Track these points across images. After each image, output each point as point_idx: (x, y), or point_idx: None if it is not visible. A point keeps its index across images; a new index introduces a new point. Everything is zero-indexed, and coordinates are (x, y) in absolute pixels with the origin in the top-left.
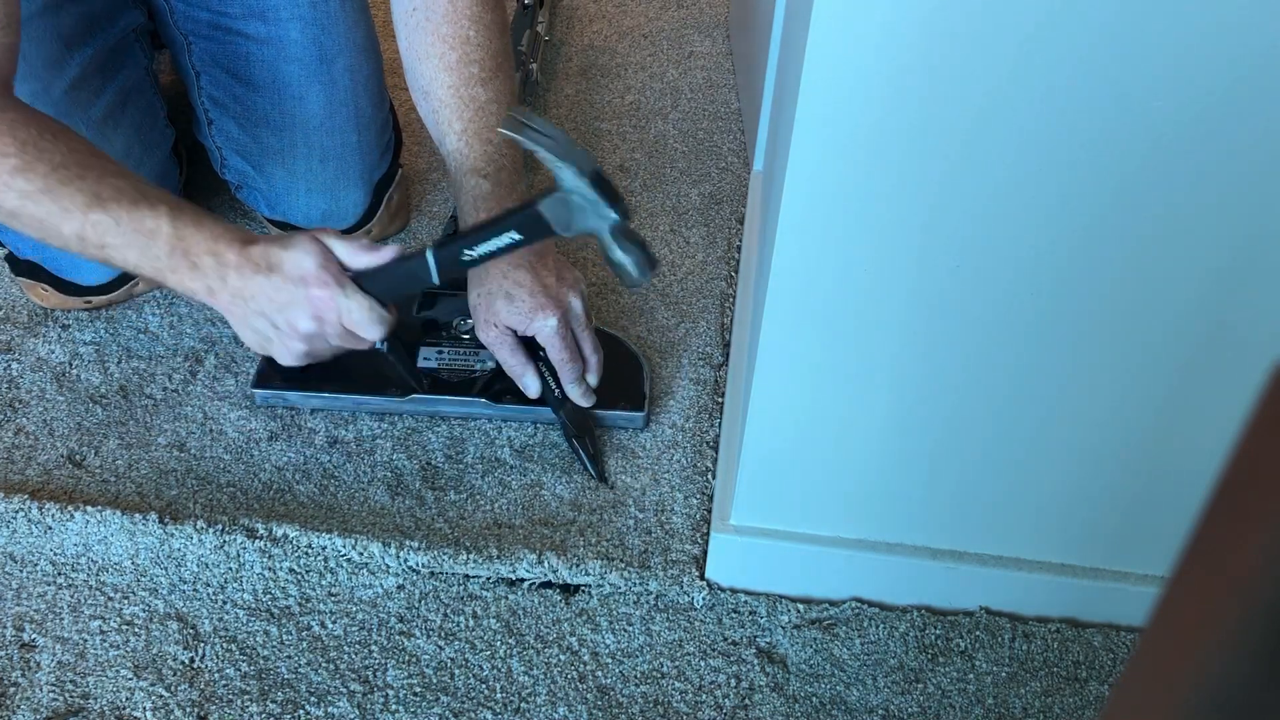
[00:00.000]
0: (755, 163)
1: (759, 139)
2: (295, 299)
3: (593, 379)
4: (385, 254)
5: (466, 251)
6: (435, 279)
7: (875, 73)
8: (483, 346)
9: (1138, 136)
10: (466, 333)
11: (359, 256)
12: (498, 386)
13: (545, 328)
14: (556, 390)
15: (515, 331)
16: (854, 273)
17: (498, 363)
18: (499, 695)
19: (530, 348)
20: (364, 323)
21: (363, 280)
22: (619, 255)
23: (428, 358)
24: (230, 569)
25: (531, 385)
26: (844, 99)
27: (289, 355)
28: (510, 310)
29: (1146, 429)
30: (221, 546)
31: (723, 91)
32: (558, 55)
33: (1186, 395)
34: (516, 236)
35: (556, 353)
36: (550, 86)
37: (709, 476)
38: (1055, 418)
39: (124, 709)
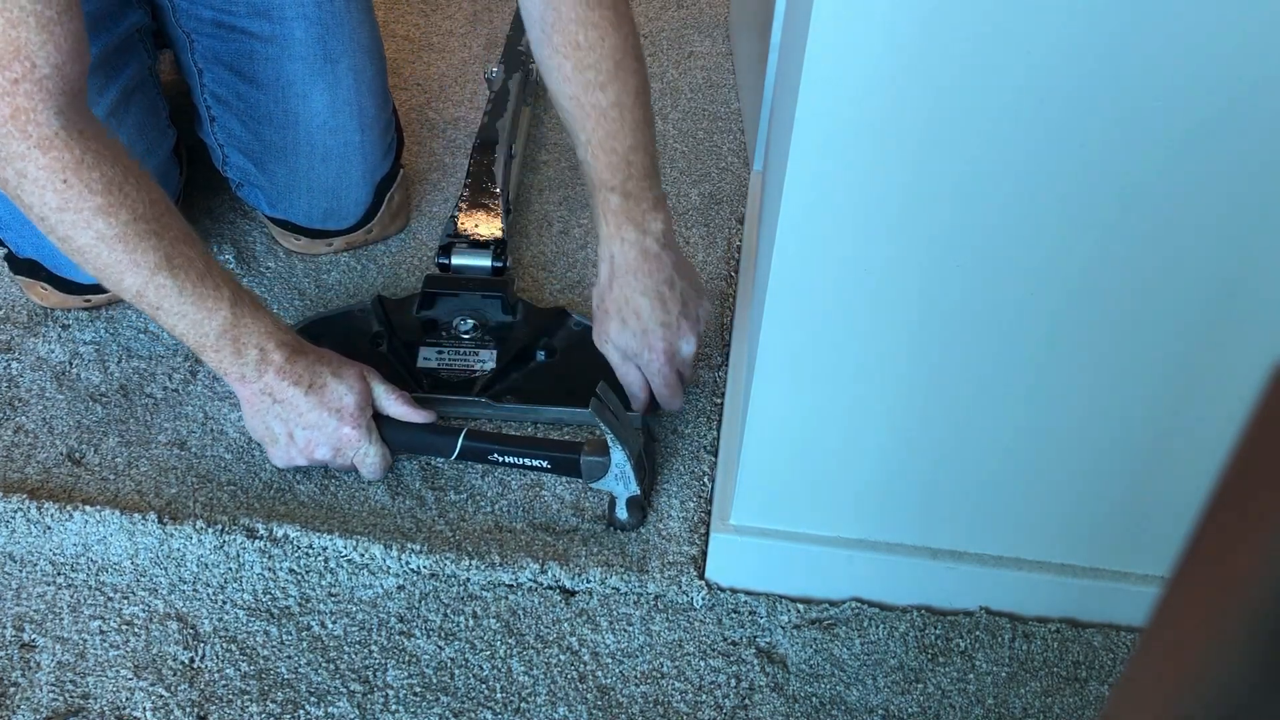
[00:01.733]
0: (755, 163)
1: (759, 139)
2: (323, 425)
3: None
4: (420, 416)
5: (497, 455)
6: (453, 458)
7: (875, 73)
8: (483, 346)
9: (1138, 137)
10: (466, 333)
11: (396, 407)
12: (498, 386)
13: (650, 365)
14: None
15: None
16: (854, 273)
17: (498, 362)
18: (499, 695)
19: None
20: (372, 468)
21: (384, 425)
22: (623, 518)
23: (428, 358)
24: (230, 569)
25: (637, 395)
26: (844, 99)
27: (285, 461)
28: (622, 334)
29: (1147, 429)
30: (221, 546)
31: (723, 91)
32: None
33: (1187, 395)
34: (546, 465)
35: (655, 387)
36: None
37: (706, 480)
38: (1055, 417)
39: (124, 709)
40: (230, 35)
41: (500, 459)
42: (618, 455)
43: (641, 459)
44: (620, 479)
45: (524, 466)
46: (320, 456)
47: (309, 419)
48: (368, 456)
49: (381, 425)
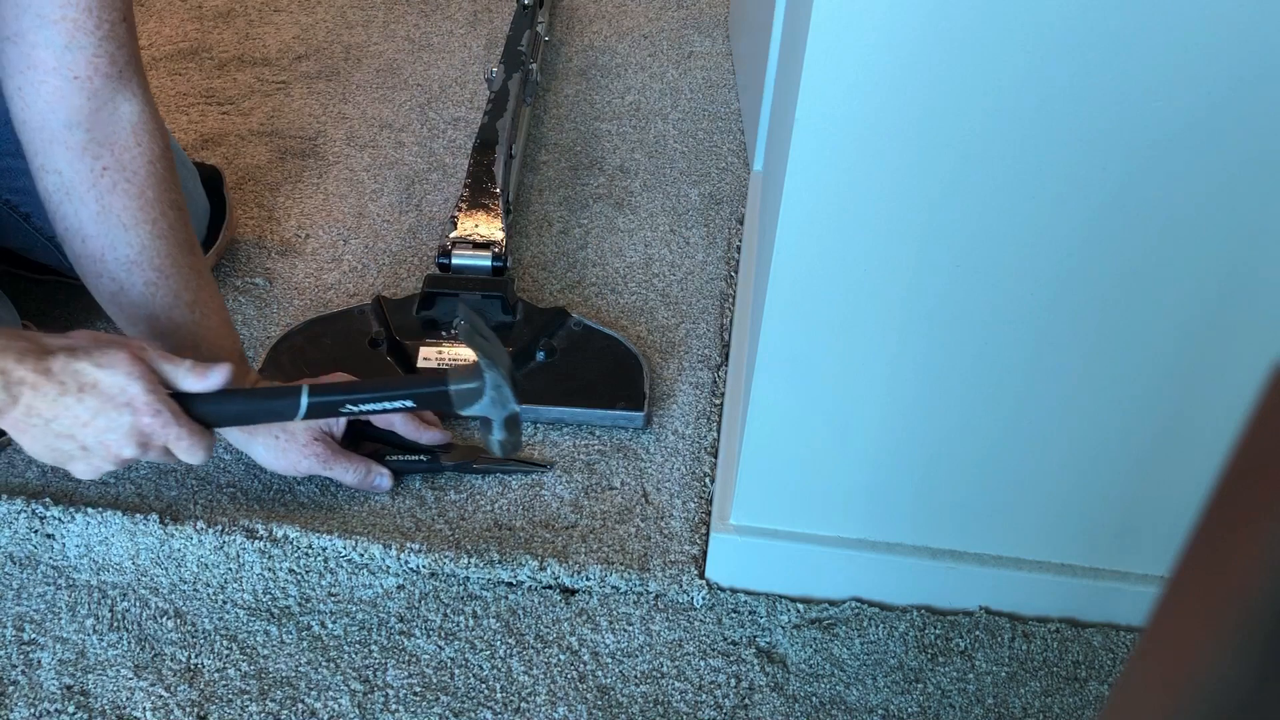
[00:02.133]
0: (755, 163)
1: (759, 139)
2: (117, 425)
3: (425, 413)
4: (214, 379)
5: (349, 406)
6: (299, 419)
7: (875, 73)
8: None
9: (1138, 137)
10: None
11: (185, 379)
12: None
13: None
14: (422, 456)
15: (331, 435)
16: (854, 273)
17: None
18: (499, 695)
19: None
20: (191, 450)
21: (190, 401)
22: (501, 436)
23: (428, 358)
24: (230, 569)
25: (385, 481)
26: (844, 99)
27: (92, 473)
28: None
29: (1146, 429)
30: (221, 547)
31: (723, 91)
32: (558, 55)
33: (1186, 395)
34: (410, 405)
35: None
36: (550, 86)
37: (707, 481)
38: (1055, 417)
39: (124, 709)
40: None
41: (355, 409)
42: (492, 375)
43: (514, 374)
44: (496, 401)
45: (386, 410)
46: (127, 455)
47: (97, 424)
48: (180, 440)
49: (189, 402)
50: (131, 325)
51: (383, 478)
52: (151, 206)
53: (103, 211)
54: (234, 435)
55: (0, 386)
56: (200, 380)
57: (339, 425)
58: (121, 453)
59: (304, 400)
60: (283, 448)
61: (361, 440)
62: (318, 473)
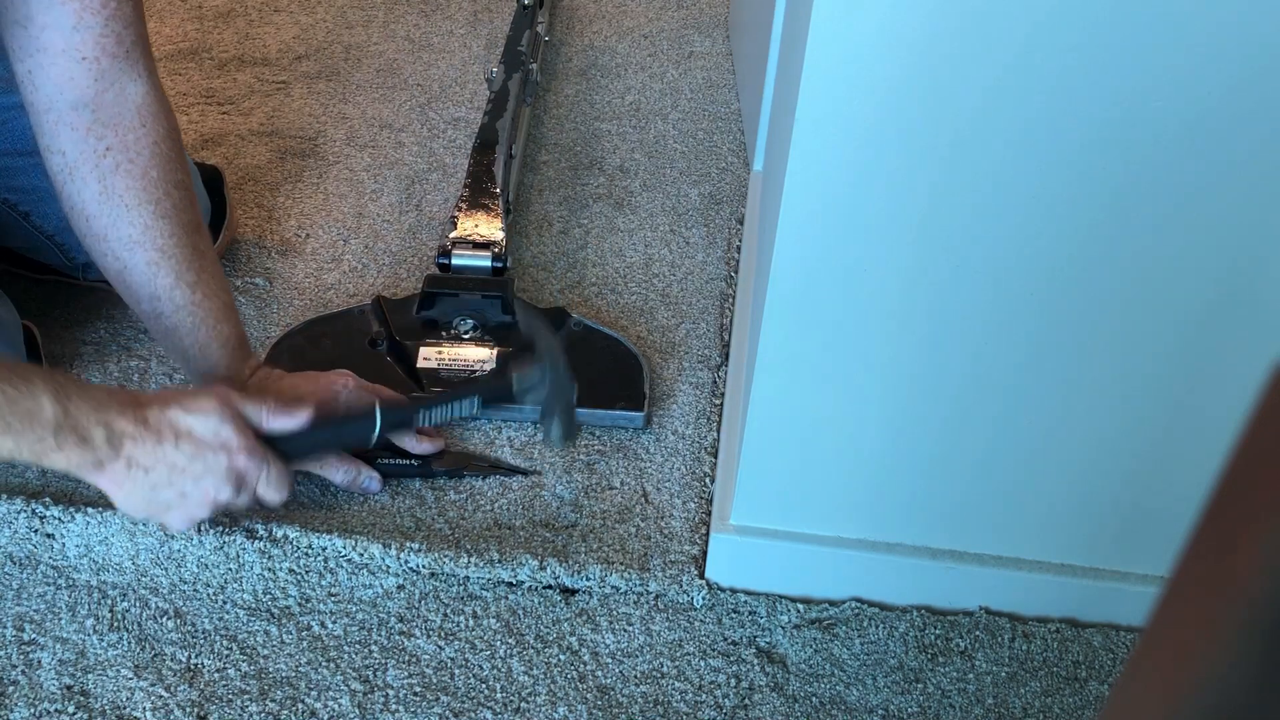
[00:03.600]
0: (755, 163)
1: (759, 139)
2: (214, 468)
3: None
4: (300, 418)
5: (423, 415)
6: (373, 443)
7: (875, 73)
8: (483, 346)
9: (1138, 136)
10: (467, 333)
11: (272, 420)
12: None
13: (347, 395)
14: (413, 461)
15: None
16: (854, 273)
17: (498, 363)
18: (499, 695)
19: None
20: (279, 487)
21: (275, 442)
22: (559, 430)
23: (428, 358)
24: (230, 569)
25: (374, 483)
26: (844, 99)
27: (185, 523)
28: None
29: (1146, 429)
30: (221, 547)
31: (723, 91)
32: (558, 55)
33: (1186, 395)
34: (478, 403)
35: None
36: (550, 86)
37: (707, 481)
38: (1055, 418)
39: (124, 709)
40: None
41: (429, 419)
42: (550, 365)
43: (567, 363)
44: (555, 391)
45: (458, 415)
46: (223, 499)
47: (194, 469)
48: (271, 480)
49: (273, 442)
50: (136, 303)
51: (371, 480)
52: (155, 186)
53: (105, 191)
54: None
55: (104, 440)
56: (288, 420)
57: None
58: (219, 496)
59: (378, 420)
60: None
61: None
62: (310, 469)
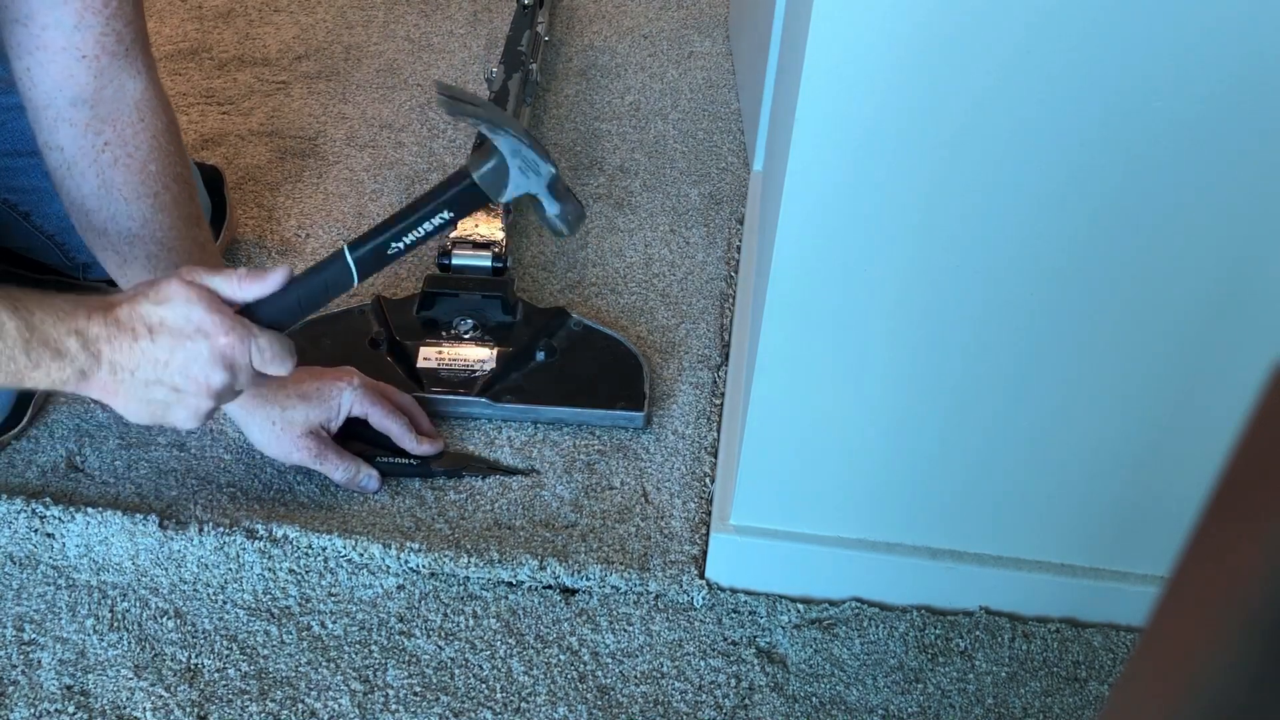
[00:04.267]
0: (755, 163)
1: (759, 139)
2: (197, 354)
3: (423, 423)
4: (275, 278)
5: (394, 245)
6: (356, 282)
7: (875, 73)
8: (483, 346)
9: (1138, 136)
10: (467, 333)
11: (246, 288)
12: (498, 386)
13: (351, 392)
14: (410, 459)
15: (326, 430)
16: (854, 273)
17: (498, 362)
18: (499, 695)
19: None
20: (276, 357)
21: (256, 311)
22: (556, 209)
23: (428, 358)
24: (230, 569)
25: (372, 481)
26: (844, 99)
27: (193, 418)
28: (308, 408)
29: (1146, 429)
30: (221, 547)
31: (723, 91)
32: (558, 55)
33: (1187, 395)
34: (449, 215)
35: (379, 415)
36: (550, 86)
37: (707, 481)
38: (1055, 417)
39: (124, 709)
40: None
41: (400, 245)
42: (504, 140)
43: (529, 134)
44: (526, 166)
45: (431, 233)
46: (219, 384)
47: (177, 361)
48: (262, 350)
49: (254, 313)
50: None
51: (370, 478)
52: (154, 180)
53: (103, 186)
54: (234, 410)
55: (80, 348)
56: (259, 285)
57: (334, 422)
58: (211, 381)
59: (350, 261)
60: (278, 434)
61: (350, 440)
62: (308, 465)
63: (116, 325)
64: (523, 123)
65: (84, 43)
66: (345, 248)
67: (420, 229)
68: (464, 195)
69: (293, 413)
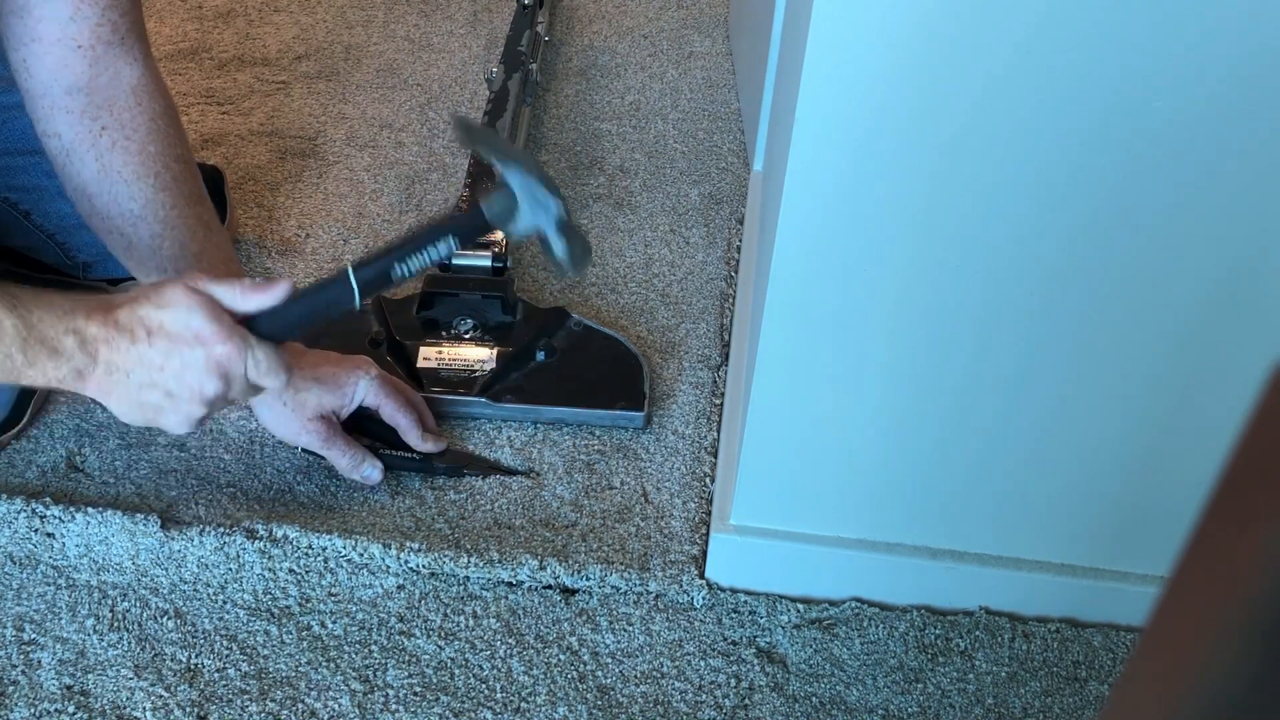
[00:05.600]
0: (755, 163)
1: (759, 139)
2: (193, 362)
3: (429, 421)
4: (277, 292)
5: (398, 268)
6: (358, 304)
7: (875, 73)
8: (483, 346)
9: (1138, 136)
10: (467, 333)
11: (247, 299)
12: (498, 386)
13: (368, 382)
14: (414, 454)
15: (335, 417)
16: (853, 273)
17: (498, 362)
18: (499, 695)
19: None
20: (270, 372)
21: (255, 322)
22: (562, 248)
23: (428, 358)
24: (230, 569)
25: (375, 473)
26: (844, 99)
27: (184, 424)
28: (322, 391)
29: (1147, 429)
30: (222, 547)
31: (723, 91)
32: (558, 55)
33: (1186, 395)
34: (454, 243)
35: (391, 408)
36: (550, 86)
37: (707, 481)
38: (1055, 417)
39: (124, 709)
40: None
41: (404, 269)
42: (514, 173)
43: (541, 170)
44: (533, 203)
45: (435, 261)
46: (212, 393)
47: (172, 366)
48: (260, 362)
49: (253, 324)
50: (144, 276)
51: (373, 469)
52: (154, 160)
53: (103, 169)
54: None
55: (77, 347)
56: (262, 296)
57: (346, 409)
58: (204, 390)
59: (353, 281)
60: (289, 414)
61: (352, 431)
62: (315, 449)
63: (115, 327)
64: (523, 122)
65: (79, 33)
66: (349, 267)
67: (425, 255)
68: (470, 225)
69: (305, 395)
